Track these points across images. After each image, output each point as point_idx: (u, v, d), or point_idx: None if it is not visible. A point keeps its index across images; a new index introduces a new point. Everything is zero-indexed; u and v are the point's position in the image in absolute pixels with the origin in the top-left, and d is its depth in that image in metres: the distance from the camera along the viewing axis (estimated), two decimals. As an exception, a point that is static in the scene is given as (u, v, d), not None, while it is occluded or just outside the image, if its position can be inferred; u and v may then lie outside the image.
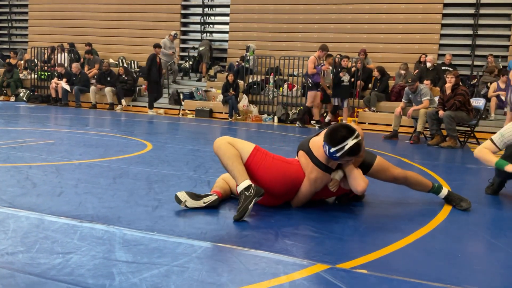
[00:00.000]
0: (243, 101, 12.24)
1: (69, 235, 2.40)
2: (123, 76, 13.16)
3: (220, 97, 12.38)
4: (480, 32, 12.83)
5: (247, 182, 2.88)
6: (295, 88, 12.36)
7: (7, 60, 15.52)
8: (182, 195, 3.02)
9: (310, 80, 10.31)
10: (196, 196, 3.06)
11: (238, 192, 2.89)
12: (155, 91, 12.37)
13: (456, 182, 4.69)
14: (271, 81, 12.66)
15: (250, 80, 12.94)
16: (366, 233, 2.72)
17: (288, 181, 3.08)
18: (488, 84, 10.74)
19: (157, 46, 12.49)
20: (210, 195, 3.12)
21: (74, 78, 13.32)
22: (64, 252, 2.15)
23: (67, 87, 13.08)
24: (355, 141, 2.88)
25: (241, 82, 12.76)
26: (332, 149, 2.89)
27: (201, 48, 14.44)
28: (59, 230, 2.47)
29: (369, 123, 11.00)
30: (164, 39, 13.80)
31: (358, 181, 3.06)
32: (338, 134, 2.90)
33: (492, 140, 3.74)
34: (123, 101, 12.87)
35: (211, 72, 14.62)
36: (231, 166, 2.94)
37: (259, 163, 3.01)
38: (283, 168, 3.06)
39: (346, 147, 2.86)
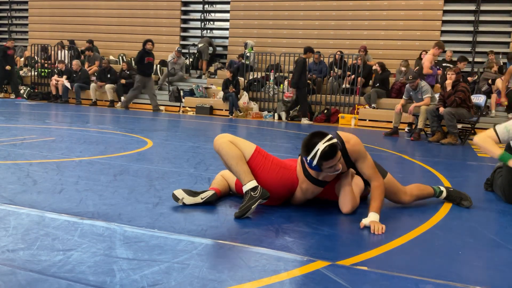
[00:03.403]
0: (244, 98, 12.23)
1: (70, 232, 2.40)
2: (126, 71, 13.15)
3: (221, 94, 12.37)
4: (480, 28, 12.80)
5: (254, 182, 2.86)
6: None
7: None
8: (179, 193, 3.02)
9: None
10: (193, 193, 3.06)
11: (244, 191, 2.87)
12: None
13: (457, 179, 4.69)
14: (272, 78, 12.64)
15: (251, 77, 12.92)
16: (366, 230, 2.72)
17: (284, 188, 3.05)
18: (489, 81, 10.72)
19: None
20: (207, 191, 3.12)
21: (74, 75, 13.31)
22: (64, 249, 2.16)
23: (68, 85, 13.08)
24: (326, 144, 2.76)
25: (241, 79, 12.75)
26: (308, 159, 2.81)
27: (200, 45, 14.43)
28: (60, 227, 2.48)
29: (369, 120, 11.00)
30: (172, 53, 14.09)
31: (346, 201, 2.99)
32: (309, 142, 2.82)
33: (495, 131, 3.45)
34: (123, 98, 12.86)
35: (211, 69, 14.60)
36: (236, 167, 2.91)
37: (258, 166, 2.98)
38: (280, 174, 3.01)
39: (318, 152, 2.75)
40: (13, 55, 13.81)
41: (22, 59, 15.88)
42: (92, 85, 13.09)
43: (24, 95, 13.76)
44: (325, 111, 11.72)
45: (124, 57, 15.55)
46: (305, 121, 11.05)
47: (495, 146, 3.38)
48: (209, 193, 3.09)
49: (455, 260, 2.33)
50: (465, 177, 5.08)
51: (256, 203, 2.83)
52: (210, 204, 3.08)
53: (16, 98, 13.59)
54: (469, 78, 10.83)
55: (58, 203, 2.92)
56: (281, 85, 12.44)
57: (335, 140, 2.81)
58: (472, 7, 12.81)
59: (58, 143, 5.55)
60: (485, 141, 3.41)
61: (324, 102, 12.04)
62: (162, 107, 12.52)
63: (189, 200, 3.03)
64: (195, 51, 14.81)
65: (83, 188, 3.33)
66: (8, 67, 13.36)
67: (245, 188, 2.86)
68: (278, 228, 2.70)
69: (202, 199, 3.05)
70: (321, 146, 2.76)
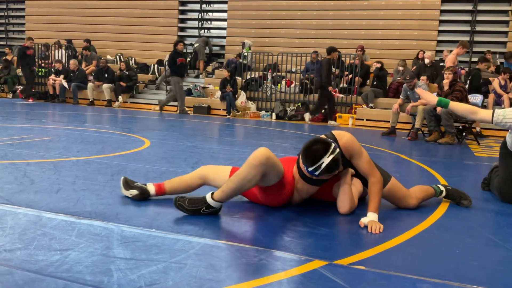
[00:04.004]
0: (241, 97, 12.23)
1: (67, 232, 2.40)
2: (125, 71, 13.13)
3: (218, 93, 12.37)
4: (478, 28, 12.83)
5: (218, 204, 2.79)
6: (293, 85, 12.36)
7: (3, 58, 15.46)
8: (122, 179, 3.11)
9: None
10: (128, 186, 3.07)
11: (207, 199, 2.78)
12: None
13: (454, 178, 4.69)
14: (269, 77, 12.64)
15: (248, 77, 12.92)
16: (363, 229, 2.72)
17: (284, 199, 3.03)
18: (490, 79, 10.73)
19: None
20: (141, 187, 3.07)
21: (71, 74, 13.28)
22: (62, 249, 2.15)
23: (65, 84, 13.05)
24: (331, 157, 2.75)
25: (239, 79, 12.75)
26: (310, 168, 2.80)
27: (196, 45, 14.41)
28: (57, 227, 2.47)
29: (367, 120, 11.01)
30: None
31: (344, 202, 2.98)
32: (313, 152, 2.79)
33: (493, 111, 3.43)
34: (120, 97, 12.84)
35: (209, 68, 14.60)
36: (235, 183, 2.77)
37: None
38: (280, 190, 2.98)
39: (323, 166, 2.75)
40: (33, 55, 13.41)
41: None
42: (90, 84, 13.06)
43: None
44: (323, 110, 11.72)
45: (121, 56, 15.53)
46: (332, 122, 10.85)
47: (438, 97, 3.44)
48: (136, 192, 3.05)
49: (453, 259, 2.33)
50: (462, 176, 5.09)
51: (198, 212, 2.77)
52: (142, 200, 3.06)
53: (27, 99, 13.17)
54: (462, 71, 10.75)
55: (55, 203, 2.91)
56: (279, 84, 12.44)
57: (337, 152, 2.81)
58: (469, 7, 12.84)
59: (55, 142, 5.54)
60: (464, 105, 3.57)
61: (322, 102, 12.04)
62: (189, 110, 12.28)
63: (122, 191, 3.09)
64: (192, 51, 14.80)
65: (80, 188, 3.32)
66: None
67: (208, 198, 2.78)
68: (276, 228, 2.70)
69: (130, 195, 3.06)
70: (326, 160, 2.76)
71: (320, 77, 10.88)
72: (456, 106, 3.51)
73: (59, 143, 5.48)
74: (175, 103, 12.70)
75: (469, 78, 9.70)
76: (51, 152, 4.81)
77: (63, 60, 14.18)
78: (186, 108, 11.88)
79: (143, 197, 3.07)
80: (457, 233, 2.82)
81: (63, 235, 2.35)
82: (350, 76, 11.94)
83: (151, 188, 3.10)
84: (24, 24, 17.63)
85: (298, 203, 3.16)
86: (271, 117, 11.74)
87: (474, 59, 12.68)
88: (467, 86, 9.44)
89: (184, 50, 15.10)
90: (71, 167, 4.08)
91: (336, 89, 11.08)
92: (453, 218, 3.14)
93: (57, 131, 6.70)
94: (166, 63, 12.74)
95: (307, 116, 11.14)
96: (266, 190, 2.94)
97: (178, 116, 11.31)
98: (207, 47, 14.76)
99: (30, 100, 12.98)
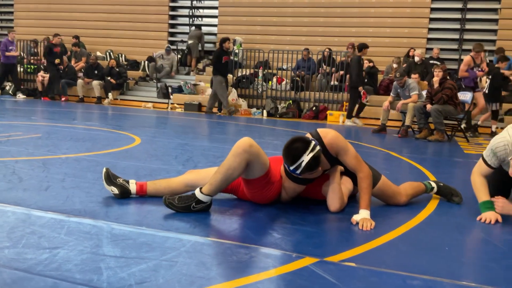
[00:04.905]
0: (232, 95, 12.20)
1: (56, 230, 2.38)
2: (115, 68, 13.03)
3: (209, 90, 12.33)
4: (467, 26, 12.91)
5: (209, 198, 2.79)
6: (284, 82, 12.36)
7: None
8: (104, 172, 3.06)
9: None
10: (110, 181, 3.03)
11: (195, 193, 2.78)
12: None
13: (444, 175, 4.72)
14: (260, 74, 12.63)
15: (239, 74, 12.89)
16: (354, 226, 2.73)
17: (272, 196, 3.03)
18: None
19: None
20: (123, 185, 3.03)
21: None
22: (51, 247, 2.13)
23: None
24: (311, 155, 2.73)
25: (230, 76, 12.71)
26: (291, 168, 2.79)
27: (190, 41, 14.32)
28: (46, 225, 2.45)
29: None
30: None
31: (334, 200, 2.98)
32: (292, 151, 2.77)
33: (484, 160, 3.17)
34: (110, 94, 12.76)
35: (200, 65, 14.54)
36: (218, 173, 2.77)
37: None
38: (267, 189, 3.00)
39: (303, 164, 2.73)
40: (60, 53, 12.89)
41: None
42: (79, 81, 12.95)
43: (10, 92, 13.56)
44: (314, 108, 11.74)
45: (111, 53, 15.42)
46: (357, 121, 10.39)
47: (482, 190, 3.13)
48: (117, 191, 3.01)
49: (443, 256, 2.34)
50: (452, 173, 5.12)
51: (189, 209, 2.76)
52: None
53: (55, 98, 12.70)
54: (479, 73, 10.47)
55: (44, 201, 2.88)
56: (270, 82, 12.43)
57: (317, 149, 2.78)
58: (459, 5, 12.92)
59: (44, 140, 5.49)
60: (475, 181, 3.19)
61: (313, 99, 12.07)
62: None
63: (104, 184, 3.06)
64: (184, 48, 14.73)
65: (70, 186, 3.30)
66: (57, 62, 12.45)
67: (197, 193, 2.77)
68: (266, 225, 2.70)
69: (112, 192, 3.03)
70: (305, 158, 2.74)
71: (350, 77, 10.33)
72: None
73: (48, 141, 5.44)
74: (164, 100, 12.64)
75: (489, 77, 9.42)
76: (40, 150, 4.76)
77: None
78: (232, 108, 11.42)
79: (124, 197, 3.04)
80: (447, 229, 2.83)
81: (52, 233, 2.32)
82: (341, 73, 11.97)
83: (133, 187, 3.06)
84: (12, 20, 17.43)
85: (289, 201, 3.16)
86: (262, 115, 11.73)
87: (464, 56, 12.76)
88: (487, 86, 9.17)
89: (175, 47, 15.10)
90: (60, 165, 4.05)
91: (364, 90, 10.49)
92: (444, 214, 3.16)
93: (46, 128, 6.64)
94: (211, 61, 11.91)
95: (351, 121, 10.33)
96: (253, 184, 2.92)
97: (167, 113, 11.25)
98: (199, 44, 14.68)
99: (63, 99, 12.62)
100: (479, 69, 9.38)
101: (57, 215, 2.61)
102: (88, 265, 1.96)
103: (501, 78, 9.38)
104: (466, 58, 9.39)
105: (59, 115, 9.09)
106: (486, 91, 9.12)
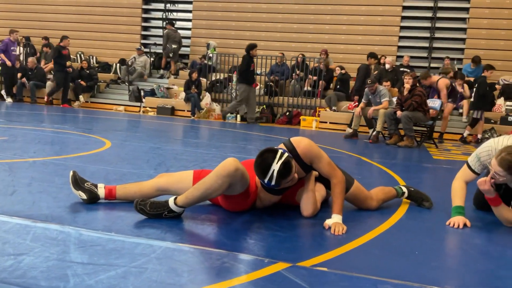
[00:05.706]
0: (206, 99, 12.15)
1: (22, 235, 2.30)
2: (86, 71, 12.79)
3: (182, 94, 12.25)
4: (437, 35, 13.25)
5: (181, 209, 2.75)
6: (258, 87, 12.38)
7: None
8: (71, 176, 2.96)
9: None
10: (78, 185, 2.95)
11: (169, 203, 2.73)
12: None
13: (413, 180, 4.81)
14: (234, 79, 12.62)
15: (213, 78, 12.86)
16: (326, 231, 2.74)
17: (246, 204, 3.00)
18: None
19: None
20: (92, 191, 2.95)
21: (29, 73, 12.85)
22: (16, 254, 2.06)
23: (25, 83, 12.58)
24: (280, 162, 2.72)
25: (203, 80, 12.66)
26: (265, 180, 2.76)
27: (174, 46, 13.84)
28: (11, 230, 2.37)
29: (330, 122, 11.18)
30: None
31: (307, 205, 2.99)
32: (261, 164, 2.75)
33: (468, 166, 3.22)
34: (81, 97, 12.52)
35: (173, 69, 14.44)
36: (200, 191, 2.71)
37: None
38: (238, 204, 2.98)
39: (275, 173, 2.71)
40: (68, 55, 12.41)
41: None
42: (48, 83, 12.67)
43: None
44: (287, 113, 11.81)
45: (82, 55, 15.15)
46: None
47: (458, 195, 3.18)
48: (85, 197, 2.93)
49: (413, 260, 2.37)
50: (421, 178, 5.22)
51: (158, 218, 2.72)
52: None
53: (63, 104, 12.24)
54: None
55: (10, 206, 2.79)
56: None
57: (286, 155, 2.77)
58: (429, 14, 13.25)
59: (10, 143, 5.33)
60: (453, 186, 3.23)
61: (286, 104, 12.14)
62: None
63: (71, 188, 2.96)
64: (157, 51, 14.58)
65: (37, 190, 3.20)
66: (68, 65, 12.03)
67: (171, 203, 2.72)
68: (239, 230, 2.68)
69: (80, 196, 2.95)
70: (275, 166, 2.71)
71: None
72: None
73: (15, 144, 5.28)
74: (136, 104, 12.49)
75: (475, 86, 9.74)
76: (6, 153, 4.62)
77: (21, 58, 13.70)
78: (256, 115, 11.10)
79: (92, 202, 2.96)
80: (417, 234, 2.88)
81: (18, 239, 2.25)
82: (314, 78, 12.08)
83: (101, 191, 2.99)
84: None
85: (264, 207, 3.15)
86: (236, 119, 11.72)
87: (434, 65, 13.08)
88: (473, 94, 9.58)
89: (148, 50, 14.95)
90: (27, 169, 3.94)
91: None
92: (413, 219, 3.21)
93: (13, 131, 6.45)
94: (238, 70, 11.46)
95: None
96: (230, 198, 2.91)
97: (139, 116, 11.11)
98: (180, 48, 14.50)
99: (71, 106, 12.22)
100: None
101: (23, 221, 2.52)
102: (55, 272, 1.90)
103: (487, 86, 9.71)
104: (442, 83, 9.31)
105: (27, 117, 8.86)
106: (472, 100, 9.46)
